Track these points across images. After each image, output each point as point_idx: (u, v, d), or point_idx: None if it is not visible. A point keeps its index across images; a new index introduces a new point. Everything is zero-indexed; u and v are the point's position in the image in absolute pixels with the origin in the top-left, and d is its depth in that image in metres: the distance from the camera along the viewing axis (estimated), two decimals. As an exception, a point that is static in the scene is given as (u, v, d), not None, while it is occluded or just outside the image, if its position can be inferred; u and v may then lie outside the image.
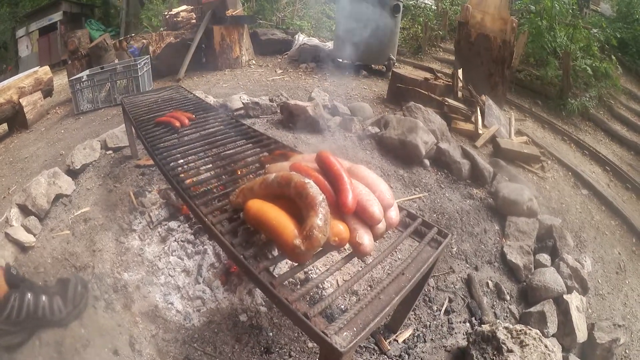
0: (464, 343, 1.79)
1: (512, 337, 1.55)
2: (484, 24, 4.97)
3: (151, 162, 2.85)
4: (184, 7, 7.10)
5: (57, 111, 5.53)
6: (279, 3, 9.74)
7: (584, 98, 5.87)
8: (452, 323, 1.97)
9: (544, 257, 2.53)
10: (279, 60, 7.17)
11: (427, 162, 3.34)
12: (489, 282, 2.33)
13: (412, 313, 1.95)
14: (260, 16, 9.14)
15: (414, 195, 2.96)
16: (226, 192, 1.55)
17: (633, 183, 4.59)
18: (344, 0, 6.20)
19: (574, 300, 2.18)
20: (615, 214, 3.82)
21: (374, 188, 1.21)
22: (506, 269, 2.47)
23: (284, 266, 1.97)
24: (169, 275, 2.02)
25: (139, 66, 5.07)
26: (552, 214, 3.18)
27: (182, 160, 1.91)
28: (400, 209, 1.40)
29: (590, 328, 2.22)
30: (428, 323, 1.94)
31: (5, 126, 5.01)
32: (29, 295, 1.69)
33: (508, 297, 2.25)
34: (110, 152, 3.31)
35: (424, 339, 1.84)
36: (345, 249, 1.22)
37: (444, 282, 2.23)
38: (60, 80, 7.23)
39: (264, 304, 1.91)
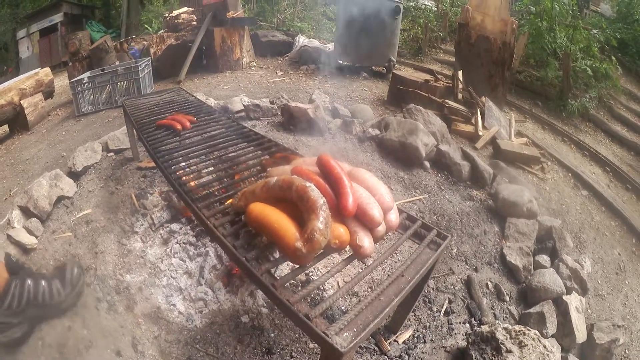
0: (463, 344, 1.80)
1: (511, 338, 1.56)
2: (484, 26, 4.98)
3: (152, 164, 2.87)
4: (184, 9, 7.14)
5: (58, 113, 5.56)
6: (280, 5, 9.77)
7: (584, 99, 5.88)
8: (451, 324, 1.98)
9: (544, 258, 2.55)
10: (280, 62, 7.19)
11: (427, 164, 3.35)
12: (489, 283, 2.34)
13: (412, 314, 1.97)
14: (261, 18, 9.17)
15: (414, 197, 2.97)
16: (228, 195, 1.56)
17: (633, 184, 4.60)
18: (345, 2, 6.23)
19: (574, 301, 2.19)
20: (615, 214, 3.83)
21: (374, 191, 1.23)
22: (506, 270, 2.49)
23: (285, 268, 1.98)
24: (171, 277, 2.04)
25: (139, 68, 5.08)
26: (552, 215, 3.19)
27: (184, 163, 1.93)
28: (400, 211, 1.42)
29: (590, 328, 2.23)
30: (428, 324, 1.95)
31: (6, 128, 5.04)
32: (29, 281, 1.72)
33: (507, 298, 2.26)
34: (111, 154, 3.32)
35: (424, 340, 1.85)
36: (346, 251, 1.24)
37: (444, 283, 2.25)
38: (61, 82, 7.25)
39: (265, 305, 1.92)
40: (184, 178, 1.75)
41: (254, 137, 2.17)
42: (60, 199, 2.71)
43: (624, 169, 4.91)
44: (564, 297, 2.18)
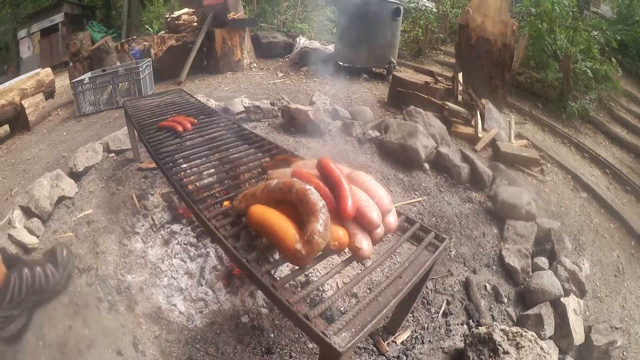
0: (461, 345, 1.82)
1: (508, 339, 1.58)
2: (485, 27, 4.99)
3: (153, 165, 2.88)
4: (185, 10, 7.14)
5: (59, 113, 5.56)
6: (280, 6, 9.78)
7: (584, 101, 5.88)
8: (449, 325, 2.00)
9: (542, 261, 2.56)
10: (280, 63, 7.20)
11: (426, 166, 3.36)
12: (487, 285, 2.35)
13: (411, 315, 1.98)
14: (262, 19, 9.18)
15: (413, 199, 2.99)
16: (229, 197, 1.58)
17: (633, 186, 4.61)
18: (345, 4, 6.24)
19: (571, 303, 2.21)
20: (614, 216, 3.84)
21: (373, 194, 1.25)
22: (504, 272, 2.50)
23: (285, 269, 2.00)
24: (172, 277, 2.05)
25: (140, 69, 5.09)
26: (551, 217, 3.20)
27: (185, 165, 1.94)
28: (399, 213, 1.43)
29: (588, 330, 2.25)
30: (426, 325, 1.96)
31: (7, 127, 5.05)
32: (25, 270, 1.77)
33: (506, 300, 2.27)
34: (112, 154, 3.34)
35: (422, 341, 1.86)
36: (345, 252, 1.25)
37: (442, 285, 2.26)
38: (62, 82, 7.25)
39: (265, 305, 1.94)
40: (186, 180, 1.77)
41: (255, 139, 2.19)
42: (61, 199, 2.72)
43: (623, 171, 4.91)
44: (562, 299, 2.20)
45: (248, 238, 1.35)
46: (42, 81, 5.33)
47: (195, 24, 6.86)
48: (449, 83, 5.01)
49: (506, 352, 1.51)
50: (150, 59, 5.89)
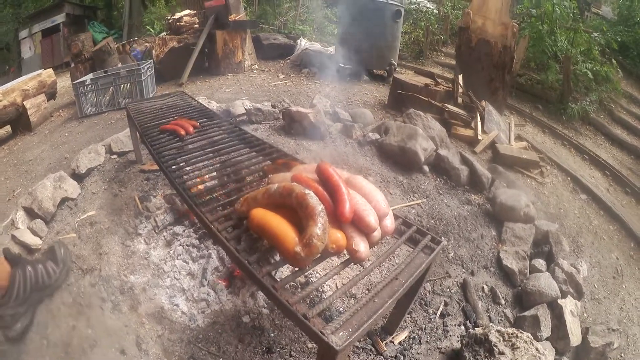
0: (458, 345, 1.84)
1: (503, 340, 1.61)
2: (485, 29, 5.00)
3: (155, 167, 2.91)
4: (187, 11, 7.17)
5: (61, 114, 5.59)
6: (281, 7, 9.82)
7: (584, 102, 5.90)
8: (447, 326, 2.02)
9: (540, 263, 2.58)
10: (281, 65, 7.23)
11: (426, 168, 3.38)
12: (485, 286, 2.38)
13: (408, 316, 2.01)
14: (263, 20, 9.21)
15: (412, 202, 3.01)
16: (231, 201, 1.62)
17: (632, 187, 4.62)
18: (346, 6, 6.27)
19: (568, 305, 2.23)
20: (613, 218, 3.85)
21: (370, 198, 1.28)
22: (502, 273, 2.52)
23: (285, 271, 2.03)
24: (175, 278, 2.08)
25: (142, 70, 5.12)
26: (550, 219, 3.22)
27: (188, 168, 1.97)
28: (396, 217, 1.47)
29: (585, 332, 2.27)
30: (424, 326, 1.99)
31: (8, 128, 5.07)
32: (28, 268, 1.83)
33: (503, 302, 2.30)
34: (115, 156, 3.35)
35: (420, 341, 1.89)
36: (344, 254, 1.29)
37: (440, 286, 2.29)
38: (63, 83, 7.27)
39: (266, 306, 1.97)
40: (188, 183, 1.80)
41: (256, 142, 2.22)
42: (64, 200, 2.73)
43: (623, 173, 4.93)
44: (559, 301, 2.22)
45: (249, 240, 1.38)
46: (44, 82, 5.36)
47: (197, 25, 6.90)
48: (449, 85, 5.03)
49: (502, 353, 1.54)
50: (151, 60, 5.92)
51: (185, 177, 1.86)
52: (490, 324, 2.01)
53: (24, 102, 4.89)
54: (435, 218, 2.88)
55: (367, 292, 2.09)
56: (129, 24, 13.27)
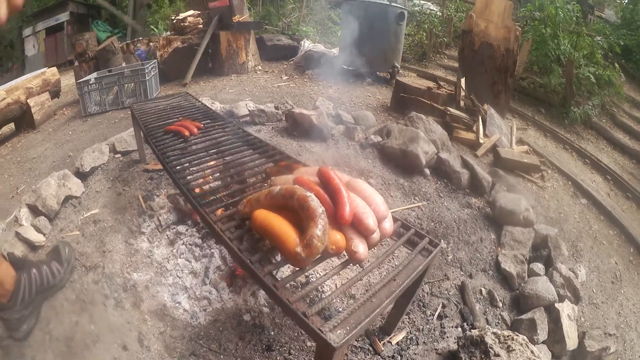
0: (454, 347, 1.86)
1: (499, 342, 1.63)
2: (488, 33, 5.01)
3: (159, 166, 2.93)
4: (191, 12, 7.19)
5: (64, 112, 5.60)
6: (285, 8, 9.85)
7: (586, 106, 5.90)
8: (444, 327, 2.04)
9: (538, 266, 2.60)
10: (285, 66, 7.24)
11: (427, 171, 3.40)
12: (482, 289, 2.39)
13: (407, 317, 2.03)
14: (267, 21, 9.24)
15: (412, 204, 3.03)
16: (234, 202, 1.65)
17: (634, 192, 4.63)
18: (350, 8, 6.30)
19: (565, 309, 2.25)
20: (613, 223, 3.86)
21: (370, 201, 1.31)
22: (500, 277, 2.54)
23: (286, 271, 2.06)
24: (177, 276, 2.11)
25: (146, 70, 5.13)
26: (549, 224, 3.23)
27: (192, 169, 2.00)
28: (395, 219, 1.50)
29: (582, 336, 2.28)
30: (421, 327, 2.01)
31: (12, 126, 5.08)
32: (33, 270, 1.84)
33: (500, 304, 2.32)
34: (118, 155, 3.37)
35: (417, 342, 1.91)
36: (344, 255, 1.33)
37: (439, 288, 2.31)
38: (67, 81, 7.27)
39: (266, 305, 2.00)
40: (192, 183, 1.83)
41: (259, 144, 2.25)
42: (68, 198, 2.75)
43: (625, 177, 4.94)
44: (556, 305, 2.24)
45: (251, 241, 1.42)
46: (48, 80, 5.37)
47: (201, 26, 6.91)
48: (452, 88, 5.05)
49: (497, 355, 1.57)
50: (155, 60, 5.94)
51: (189, 177, 1.89)
52: (487, 326, 2.03)
53: (28, 100, 4.91)
54: (435, 221, 2.90)
55: (365, 292, 2.12)
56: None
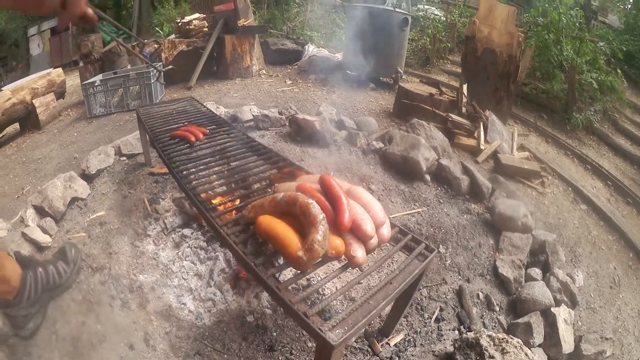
0: (451, 349, 1.90)
1: (494, 345, 1.68)
2: (491, 39, 5.03)
3: (164, 170, 2.97)
4: (196, 15, 7.24)
5: (69, 113, 5.64)
6: (290, 12, 9.92)
7: (588, 112, 5.92)
8: (441, 330, 2.08)
9: (535, 272, 2.63)
10: (289, 70, 7.28)
11: (428, 177, 3.43)
12: (480, 293, 2.43)
13: (405, 320, 2.08)
14: (271, 25, 9.30)
15: (412, 210, 3.06)
16: (239, 207, 1.71)
17: (634, 198, 4.65)
18: (353, 14, 6.35)
19: (562, 313, 2.28)
20: (613, 229, 3.88)
21: (369, 208, 1.38)
22: (497, 281, 2.57)
23: (288, 273, 2.11)
24: (182, 278, 2.16)
25: (151, 73, 5.13)
26: (548, 229, 3.26)
27: (198, 174, 2.05)
28: (393, 225, 1.56)
29: (578, 340, 2.31)
30: (419, 329, 2.05)
31: (17, 126, 5.13)
32: (39, 269, 1.88)
33: (497, 308, 2.35)
34: (124, 158, 3.39)
35: (414, 344, 1.96)
36: (343, 259, 1.39)
37: (436, 292, 2.35)
38: (72, 82, 7.30)
39: (269, 306, 2.05)
40: (198, 188, 1.88)
41: (263, 150, 2.30)
42: (74, 200, 2.76)
43: (625, 183, 4.96)
44: (552, 309, 2.27)
45: (255, 244, 1.48)
46: (53, 81, 5.43)
47: (206, 29, 6.95)
48: (454, 95, 5.09)
49: (491, 357, 1.61)
50: (161, 63, 5.98)
51: (194, 182, 1.94)
52: (483, 329, 2.07)
53: (33, 101, 4.95)
54: (434, 226, 2.94)
55: (364, 294, 2.18)
56: (138, 25, 13.42)
